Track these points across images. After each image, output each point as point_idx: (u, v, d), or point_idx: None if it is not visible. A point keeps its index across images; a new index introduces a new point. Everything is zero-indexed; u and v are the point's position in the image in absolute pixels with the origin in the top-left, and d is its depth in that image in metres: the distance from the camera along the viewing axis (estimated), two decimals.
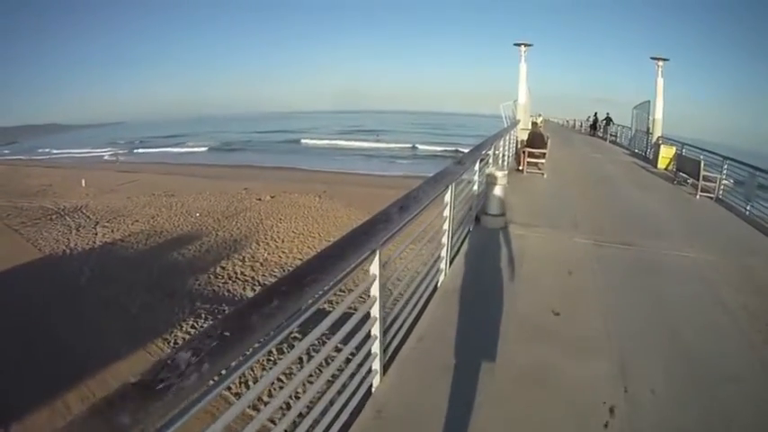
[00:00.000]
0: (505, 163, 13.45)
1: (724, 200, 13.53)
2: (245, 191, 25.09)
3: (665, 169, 18.60)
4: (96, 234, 17.90)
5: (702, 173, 13.58)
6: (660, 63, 21.00)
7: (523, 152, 14.27)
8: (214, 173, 35.92)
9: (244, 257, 15.61)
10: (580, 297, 5.48)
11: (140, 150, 62.18)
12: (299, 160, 46.55)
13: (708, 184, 13.70)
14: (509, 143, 14.88)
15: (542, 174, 14.01)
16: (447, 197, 5.21)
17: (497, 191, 7.61)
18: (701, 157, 15.29)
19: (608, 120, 34.79)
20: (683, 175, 15.61)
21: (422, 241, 4.87)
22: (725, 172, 14.13)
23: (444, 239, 5.36)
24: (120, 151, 60.70)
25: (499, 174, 7.58)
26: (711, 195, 13.60)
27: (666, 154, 18.99)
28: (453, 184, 5.28)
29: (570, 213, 9.61)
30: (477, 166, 7.11)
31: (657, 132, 21.36)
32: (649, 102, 22.52)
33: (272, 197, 23.25)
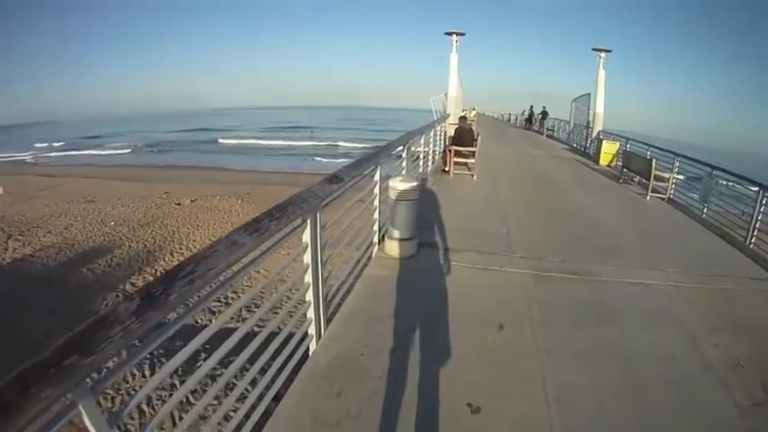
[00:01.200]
0: (429, 165, 12.88)
1: (677, 201, 12.98)
2: (166, 195, 24.54)
3: (608, 166, 18.70)
4: (7, 249, 17.41)
5: (654, 171, 13.08)
6: (602, 54, 21.35)
7: (449, 151, 13.04)
8: (137, 175, 34.97)
9: (156, 271, 15.18)
10: (513, 374, 4.05)
11: (64, 153, 60.23)
12: (225, 160, 46.30)
13: (658, 183, 13.10)
14: (437, 140, 14.55)
15: (472, 175, 13.01)
16: (376, 177, 5.88)
17: (404, 208, 6.08)
18: (648, 153, 15.34)
19: (544, 113, 35.71)
20: (630, 172, 15.11)
21: (350, 217, 5.21)
22: (676, 170, 13.54)
23: (376, 215, 6.11)
24: (44, 154, 58.87)
25: (405, 186, 5.97)
26: (663, 196, 13.05)
27: (609, 150, 19.08)
28: (380, 167, 5.88)
29: (503, 229, 8.34)
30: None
31: (598, 127, 21.71)
32: (589, 95, 22.81)
33: (192, 201, 22.82)
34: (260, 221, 2.65)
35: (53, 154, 58.17)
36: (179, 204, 22.39)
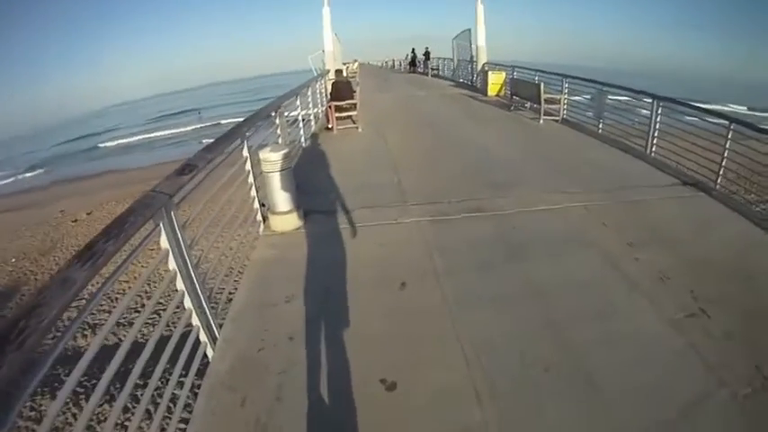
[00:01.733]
0: (312, 126, 12.74)
1: (571, 120, 13.46)
2: (61, 213, 23.51)
3: (497, 96, 19.05)
4: None
5: (543, 95, 13.44)
6: None
7: (329, 107, 12.84)
8: (26, 201, 33.67)
9: None
10: (425, 338, 3.84)
11: None
12: (115, 162, 44.90)
13: (550, 106, 13.69)
14: (317, 99, 14.32)
15: (357, 128, 12.79)
16: (245, 151, 5.58)
17: (278, 179, 5.81)
18: (537, 78, 15.59)
19: (427, 54, 36.05)
20: (521, 99, 15.63)
21: (220, 202, 4.84)
22: (566, 91, 13.97)
23: (252, 192, 5.79)
24: None
25: (276, 155, 5.68)
26: (556, 118, 13.54)
27: (496, 80, 19.39)
28: (246, 140, 5.62)
29: (393, 178, 8.01)
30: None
31: (483, 59, 22.10)
32: (470, 30, 23.32)
33: (87, 214, 21.87)
34: (92, 247, 2.34)
35: None
36: (75, 221, 21.53)
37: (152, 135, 59.47)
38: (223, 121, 58.08)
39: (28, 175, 53.46)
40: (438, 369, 3.47)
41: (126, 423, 5.41)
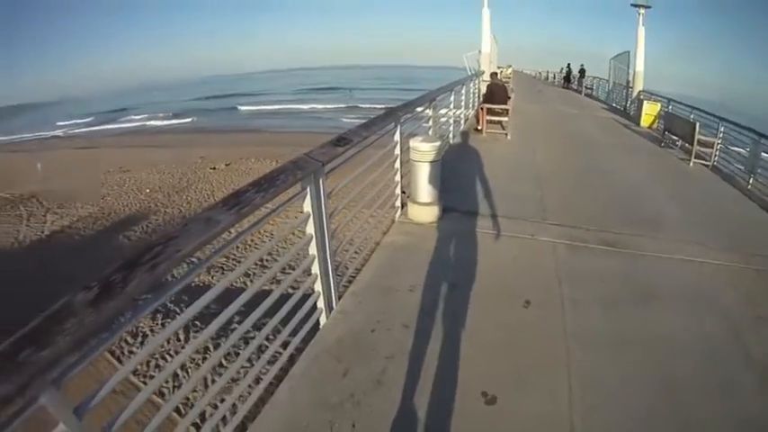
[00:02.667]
0: (462, 124, 12.50)
1: (721, 169, 12.16)
2: (201, 159, 24.67)
3: (649, 128, 17.85)
4: (45, 222, 17.58)
5: (697, 136, 12.18)
6: (641, 11, 20.65)
7: (481, 109, 12.42)
8: (175, 141, 35.52)
9: None
10: (536, 361, 3.64)
11: (96, 127, 60.99)
12: (261, 123, 46.67)
13: (702, 149, 12.39)
14: (470, 98, 14.09)
15: (506, 134, 12.30)
16: (396, 136, 5.54)
17: (426, 170, 5.67)
18: (692, 116, 14.52)
19: (582, 72, 34.66)
20: (672, 136, 14.41)
21: (366, 181, 4.88)
22: (721, 135, 12.62)
23: (397, 177, 5.76)
24: (75, 129, 59.90)
25: (427, 146, 5.56)
26: (707, 163, 12.31)
27: (650, 111, 18.18)
28: (400, 125, 5.57)
29: (537, 192, 7.73)
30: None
31: (639, 86, 21.02)
32: (629, 53, 22.19)
33: (226, 165, 22.89)
34: (242, 195, 2.42)
35: (84, 129, 59.09)
36: (214, 168, 22.52)
37: (294, 106, 61.27)
38: (363, 105, 59.20)
39: (174, 121, 56.42)
40: (541, 395, 3.29)
41: (226, 366, 5.56)
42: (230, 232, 2.52)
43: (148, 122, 57.60)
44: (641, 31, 20.83)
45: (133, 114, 66.54)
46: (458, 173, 8.09)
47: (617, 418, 3.19)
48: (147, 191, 19.82)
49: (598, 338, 4.02)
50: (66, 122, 64.24)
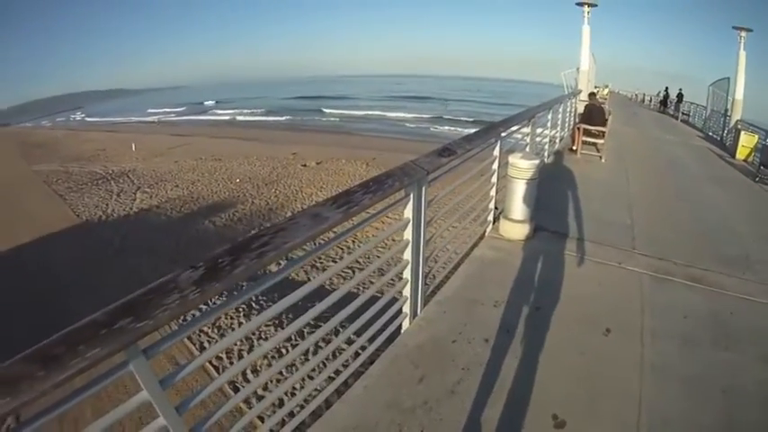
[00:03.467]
0: (556, 143, 12.22)
1: None
2: (293, 156, 25.30)
3: (745, 161, 16.73)
4: (135, 200, 18.29)
5: None
6: (743, 34, 19.35)
7: (578, 129, 12.12)
8: (267, 137, 36.48)
9: None
10: (609, 390, 3.56)
11: (189, 117, 63.09)
12: (352, 125, 47.52)
13: None
14: (566, 117, 13.78)
15: (600, 157, 11.93)
16: (496, 151, 5.52)
17: (522, 187, 5.62)
18: None
19: (679, 96, 33.20)
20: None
21: (463, 193, 4.92)
22: None
23: (492, 192, 5.69)
24: (170, 117, 62.22)
25: (525, 163, 5.47)
26: None
27: (747, 143, 17.03)
28: (500, 141, 5.54)
29: (627, 220, 7.59)
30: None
31: (737, 115, 19.77)
32: (728, 79, 20.89)
33: (317, 163, 23.33)
34: (351, 194, 2.46)
35: (177, 118, 61.11)
36: (305, 165, 22.99)
37: (385, 113, 61.57)
38: (450, 117, 58.95)
39: (268, 118, 57.69)
40: (611, 424, 3.24)
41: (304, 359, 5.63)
42: (334, 231, 2.54)
43: (239, 117, 59.19)
44: (742, 55, 19.64)
45: (225, 108, 68.49)
46: (550, 193, 7.92)
47: None
48: (238, 180, 20.36)
49: (674, 375, 3.90)
50: (159, 110, 66.75)
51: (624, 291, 5.18)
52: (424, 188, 3.36)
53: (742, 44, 19.53)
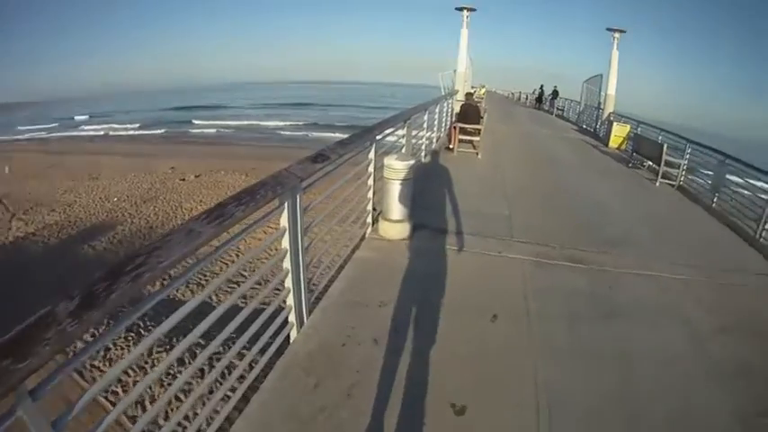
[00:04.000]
0: (434, 142, 12.65)
1: (687, 188, 12.70)
2: (171, 170, 24.51)
3: (618, 149, 18.46)
4: (11, 228, 17.34)
5: (665, 157, 12.68)
6: (616, 35, 21.20)
7: (454, 128, 12.72)
8: (143, 151, 35.26)
9: None
10: (504, 373, 3.76)
11: (62, 133, 60.34)
12: (231, 136, 46.94)
13: (669, 170, 12.88)
14: (443, 117, 14.28)
15: (477, 154, 12.61)
16: (371, 154, 5.62)
17: (398, 188, 5.76)
18: (660, 138, 15.17)
19: (555, 93, 35.42)
20: (640, 157, 14.89)
21: (340, 198, 4.98)
22: (687, 157, 13.24)
23: (369, 194, 5.84)
24: (42, 134, 59.32)
25: (400, 164, 5.65)
26: (673, 183, 12.85)
27: (619, 133, 18.82)
28: (375, 144, 5.66)
29: (505, 211, 7.93)
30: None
31: (609, 109, 21.60)
32: (601, 76, 22.73)
33: (196, 177, 22.79)
34: (224, 207, 2.48)
35: (49, 135, 58.47)
36: (183, 179, 22.40)
37: (261, 123, 60.71)
38: (326, 123, 59.07)
39: (145, 131, 56.05)
40: (509, 407, 3.40)
41: (197, 381, 5.56)
42: (213, 245, 2.56)
43: (115, 132, 57.19)
44: (615, 54, 21.38)
45: (99, 122, 65.91)
46: (429, 191, 8.22)
47: (580, 428, 3.34)
48: (115, 199, 19.62)
49: (564, 351, 4.17)
50: (30, 127, 63.48)
51: (507, 278, 5.47)
52: (298, 195, 3.41)
53: (615, 44, 21.24)
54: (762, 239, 8.86)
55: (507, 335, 4.28)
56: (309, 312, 4.05)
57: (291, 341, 3.78)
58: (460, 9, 19.79)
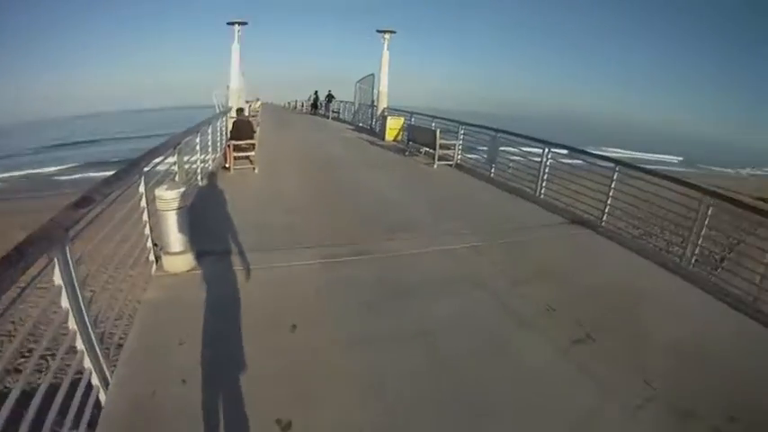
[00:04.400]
0: (210, 163, 12.41)
1: (464, 165, 14.22)
2: None
3: (395, 141, 19.63)
4: None
5: (439, 141, 13.85)
6: (387, 36, 22.63)
7: (228, 146, 12.59)
8: None
9: None
10: (318, 377, 3.83)
11: None
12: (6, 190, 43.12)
13: (445, 152, 14.18)
14: (218, 136, 14.12)
15: (254, 169, 12.51)
16: (141, 187, 5.34)
17: (174, 218, 5.55)
18: (434, 124, 16.33)
19: (329, 97, 36.68)
20: (416, 145, 15.86)
21: (115, 239, 4.51)
22: (461, 137, 14.74)
23: (146, 230, 5.51)
24: None
25: (172, 193, 5.42)
26: (450, 163, 14.21)
27: (394, 126, 20.04)
28: (144, 176, 5.39)
29: (288, 220, 7.95)
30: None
31: (383, 104, 22.85)
32: (374, 75, 24.00)
33: None
34: None
35: None
36: None
37: (38, 170, 56.10)
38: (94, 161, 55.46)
39: None
40: (331, 407, 3.48)
41: None
42: None
43: None
44: (386, 54, 22.87)
45: None
46: (209, 215, 8.07)
47: (407, 409, 3.50)
48: None
49: (371, 342, 4.38)
50: None
51: (299, 286, 5.54)
52: (67, 247, 3.13)
53: (385, 44, 22.81)
54: (542, 196, 10.23)
55: (310, 340, 4.36)
56: (112, 370, 3.77)
57: (103, 405, 3.48)
58: (232, 23, 19.97)
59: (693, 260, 7.11)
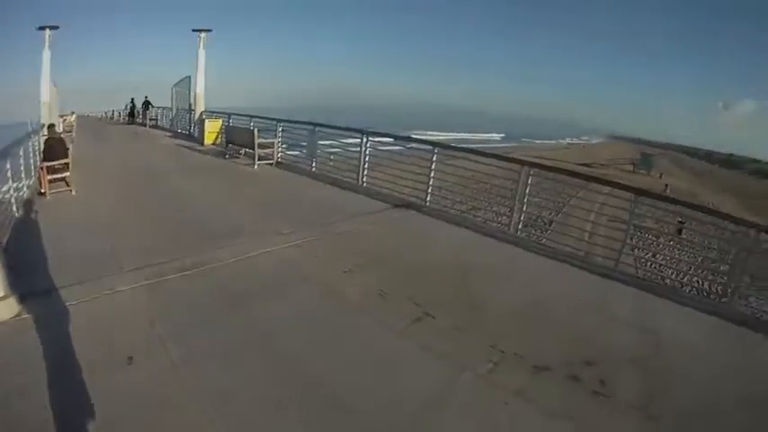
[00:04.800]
0: (25, 190, 10.73)
1: (284, 162, 14.48)
2: None
3: (214, 144, 19.53)
4: None
5: (257, 140, 14.00)
6: (203, 35, 22.05)
7: (42, 169, 11.25)
8: None
9: None
10: (159, 404, 3.77)
11: None
12: None
13: (265, 151, 14.29)
14: (31, 158, 12.57)
15: (71, 190, 11.44)
16: None
17: None
18: (252, 124, 16.53)
19: (146, 104, 35.29)
20: (236, 146, 15.91)
21: None
22: (280, 135, 15.03)
23: None
24: None
25: None
26: (271, 162, 14.34)
27: (212, 129, 19.89)
28: None
29: (107, 245, 7.35)
30: None
31: (201, 108, 22.26)
32: (190, 77, 23.30)
33: None
34: None
35: None
36: None
37: None
38: None
39: None
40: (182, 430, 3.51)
41: None
42: None
43: None
44: (202, 54, 22.25)
45: None
46: (27, 250, 7.29)
47: (261, 417, 3.61)
48: None
49: (211, 358, 4.37)
50: None
51: (129, 313, 5.26)
52: None
53: (202, 44, 22.16)
54: (364, 185, 11.03)
55: (149, 369, 4.22)
56: None
57: None
58: (42, 28, 18.49)
59: (521, 227, 8.17)
